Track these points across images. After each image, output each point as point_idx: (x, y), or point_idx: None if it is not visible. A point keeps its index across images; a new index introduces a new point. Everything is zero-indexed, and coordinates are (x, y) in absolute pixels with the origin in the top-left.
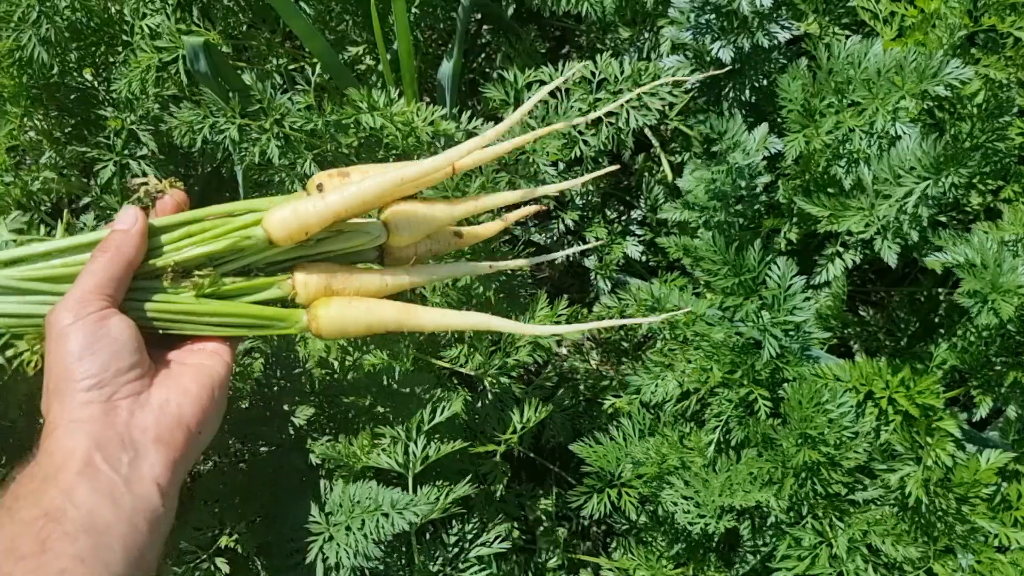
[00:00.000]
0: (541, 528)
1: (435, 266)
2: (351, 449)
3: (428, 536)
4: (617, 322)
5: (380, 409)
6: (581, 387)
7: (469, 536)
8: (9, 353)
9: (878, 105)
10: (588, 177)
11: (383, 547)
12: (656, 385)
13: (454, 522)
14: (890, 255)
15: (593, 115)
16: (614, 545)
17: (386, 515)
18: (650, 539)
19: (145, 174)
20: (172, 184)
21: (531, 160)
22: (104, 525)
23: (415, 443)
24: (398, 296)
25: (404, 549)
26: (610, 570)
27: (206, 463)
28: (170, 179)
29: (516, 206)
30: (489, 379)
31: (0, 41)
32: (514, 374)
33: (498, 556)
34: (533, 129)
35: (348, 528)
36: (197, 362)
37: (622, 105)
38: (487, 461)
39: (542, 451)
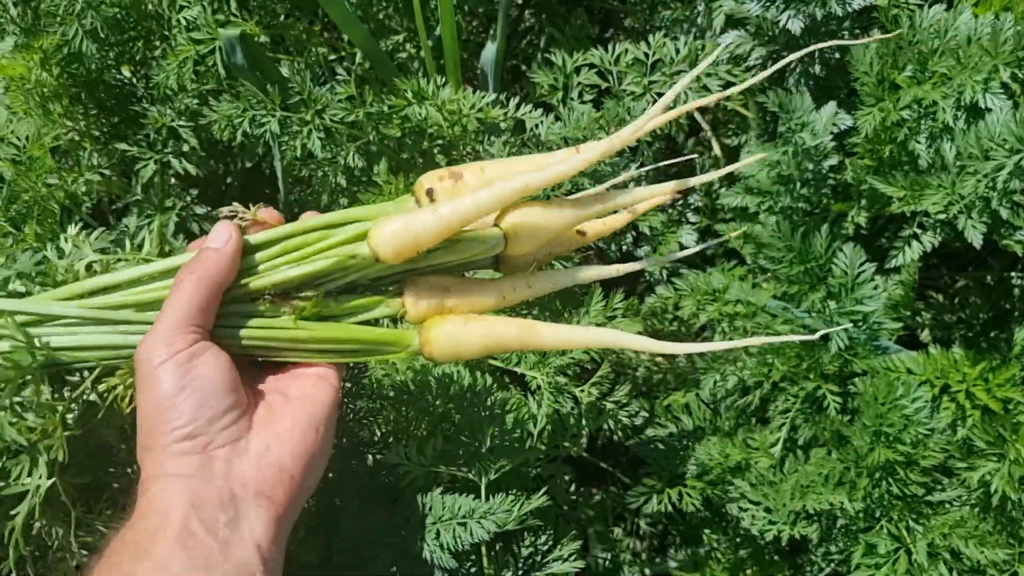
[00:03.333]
0: (593, 530)
1: (555, 273)
2: (422, 456)
3: (498, 547)
4: (727, 345)
5: (450, 415)
6: (639, 381)
7: (542, 549)
8: (102, 388)
9: (968, 76)
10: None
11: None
12: (715, 381)
13: (526, 534)
14: (975, 235)
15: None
16: (672, 547)
17: (463, 524)
18: (712, 542)
19: (185, 174)
20: (258, 209)
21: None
22: None
23: (486, 449)
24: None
25: (472, 559)
26: None
27: None
28: (258, 205)
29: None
30: (545, 378)
31: (45, 37)
32: (569, 372)
33: None
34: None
35: (422, 539)
36: (301, 393)
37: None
38: (548, 464)
39: (593, 448)
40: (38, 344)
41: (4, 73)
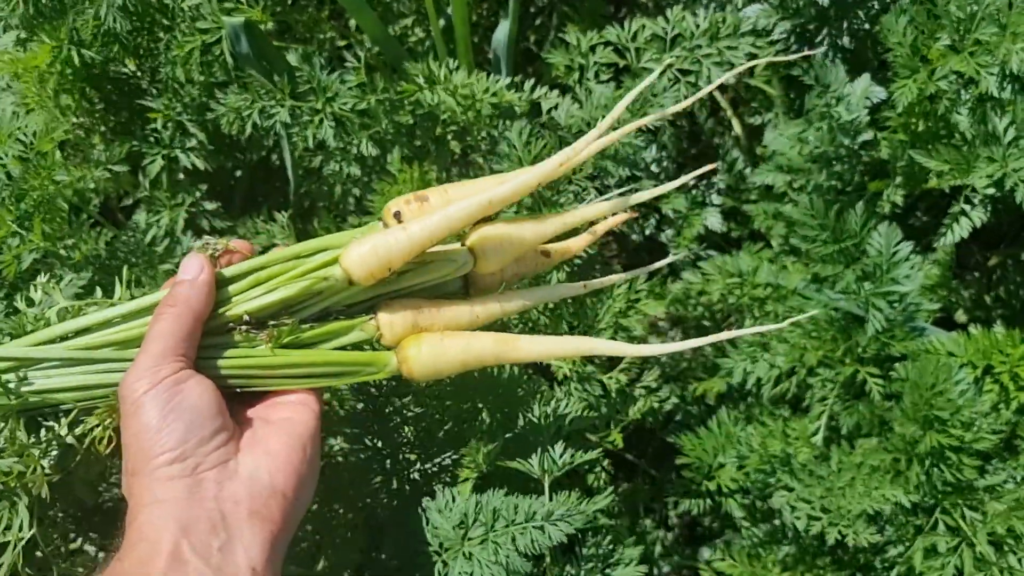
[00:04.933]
0: (622, 522)
1: (527, 291)
2: (478, 453)
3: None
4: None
5: (489, 412)
6: (665, 368)
7: (602, 552)
8: (79, 431)
9: (1012, 42)
10: (690, 176)
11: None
12: (746, 368)
13: (589, 535)
14: None
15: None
16: (700, 534)
17: (540, 528)
18: (751, 537)
19: (193, 169)
20: (230, 241)
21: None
22: None
23: (551, 448)
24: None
25: (534, 561)
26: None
27: None
28: (228, 237)
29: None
30: (570, 366)
31: (57, 29)
32: (596, 361)
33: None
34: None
35: (496, 543)
36: (283, 417)
37: (699, 61)
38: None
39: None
40: (12, 388)
41: (25, 64)
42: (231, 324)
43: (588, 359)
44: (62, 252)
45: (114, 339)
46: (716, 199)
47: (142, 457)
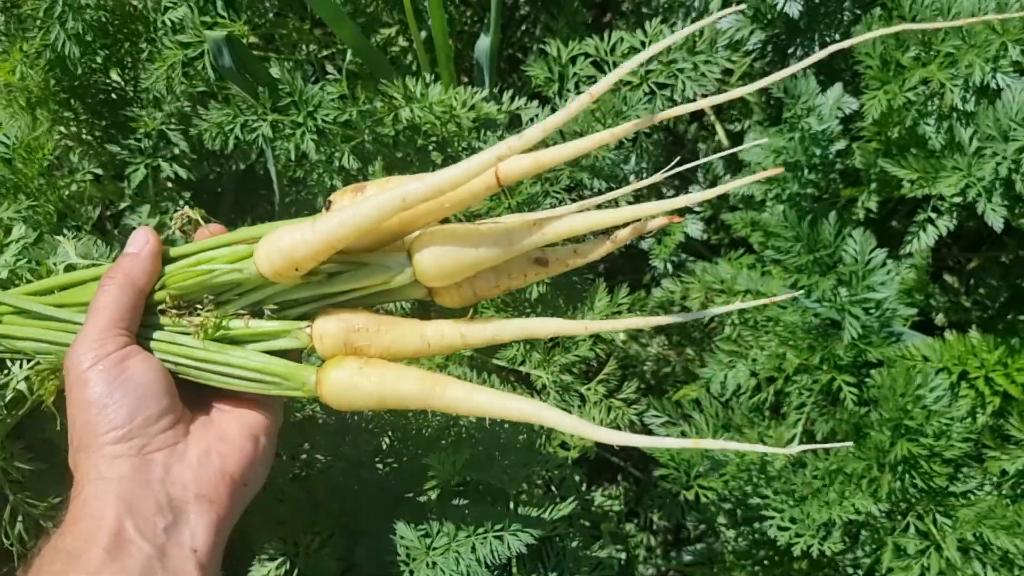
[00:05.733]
0: (605, 526)
1: (500, 322)
2: (443, 465)
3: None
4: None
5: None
6: (646, 375)
7: (573, 556)
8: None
9: (975, 55)
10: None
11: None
12: (727, 375)
13: (557, 540)
14: (995, 218)
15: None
16: (684, 536)
17: (499, 537)
18: (730, 540)
19: (178, 178)
20: (204, 217)
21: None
22: None
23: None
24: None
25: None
26: None
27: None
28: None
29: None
30: (550, 377)
31: (27, 42)
32: (575, 369)
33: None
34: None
35: (457, 552)
36: (239, 410)
37: (675, 75)
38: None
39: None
40: None
41: None
42: (161, 306)
43: (568, 368)
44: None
45: (73, 300)
46: (697, 207)
47: (88, 431)
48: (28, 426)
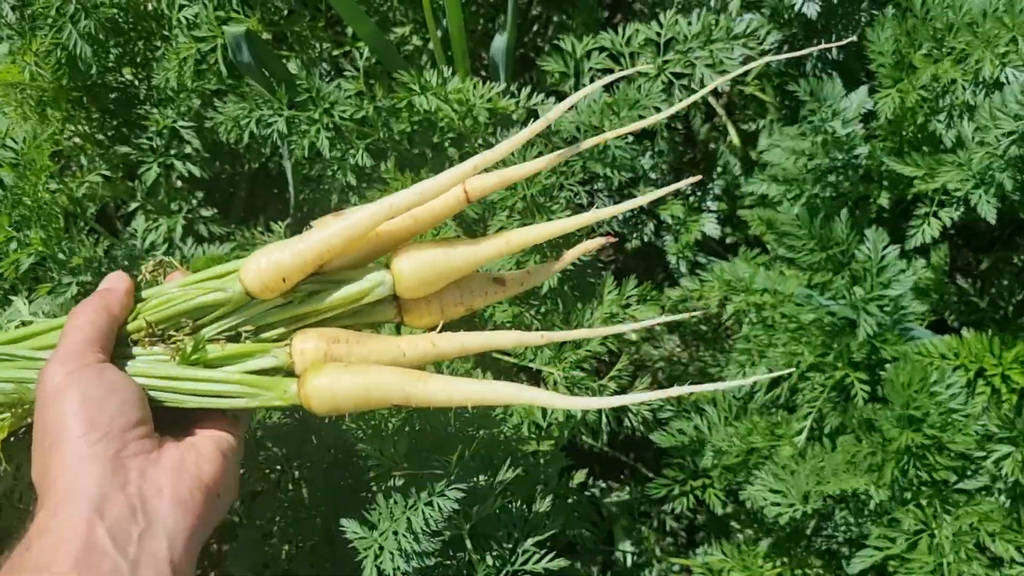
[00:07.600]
0: (618, 525)
1: (468, 335)
2: (392, 452)
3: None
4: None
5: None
6: (659, 375)
7: (519, 522)
8: None
9: (985, 50)
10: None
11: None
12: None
13: (508, 507)
14: (988, 210)
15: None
16: (700, 538)
17: (429, 503)
18: (739, 534)
19: (191, 177)
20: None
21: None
22: None
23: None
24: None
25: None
26: (701, 573)
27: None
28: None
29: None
30: (561, 373)
31: (38, 41)
32: (586, 366)
33: (573, 554)
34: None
35: (395, 533)
36: (209, 430)
37: (693, 64)
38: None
39: (615, 442)
40: None
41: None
42: (134, 335)
43: (579, 365)
44: (60, 256)
45: (36, 344)
46: (712, 204)
47: (61, 437)
48: None
